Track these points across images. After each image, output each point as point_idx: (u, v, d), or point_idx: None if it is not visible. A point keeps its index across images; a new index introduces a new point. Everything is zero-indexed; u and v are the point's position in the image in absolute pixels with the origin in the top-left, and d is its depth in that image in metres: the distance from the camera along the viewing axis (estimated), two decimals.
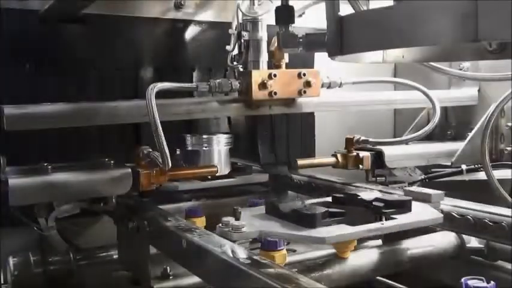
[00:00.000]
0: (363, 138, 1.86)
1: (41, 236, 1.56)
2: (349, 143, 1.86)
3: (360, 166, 1.83)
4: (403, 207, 1.33)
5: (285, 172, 2.08)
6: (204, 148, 1.99)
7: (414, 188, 1.49)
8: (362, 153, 1.84)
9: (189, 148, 2.00)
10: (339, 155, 1.84)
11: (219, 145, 2.01)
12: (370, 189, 1.66)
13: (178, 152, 2.01)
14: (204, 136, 2.00)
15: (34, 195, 1.41)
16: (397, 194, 1.49)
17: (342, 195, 1.43)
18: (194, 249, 1.20)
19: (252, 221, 1.26)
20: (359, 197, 1.39)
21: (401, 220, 1.28)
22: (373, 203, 1.34)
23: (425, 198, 1.42)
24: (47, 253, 1.60)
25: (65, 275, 1.60)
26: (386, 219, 1.28)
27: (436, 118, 1.85)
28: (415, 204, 1.36)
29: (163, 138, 1.44)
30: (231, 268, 1.06)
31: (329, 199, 1.45)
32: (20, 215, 1.47)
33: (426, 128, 1.83)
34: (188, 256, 1.24)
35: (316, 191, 1.97)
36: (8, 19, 1.73)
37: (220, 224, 1.22)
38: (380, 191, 1.57)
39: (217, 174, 1.90)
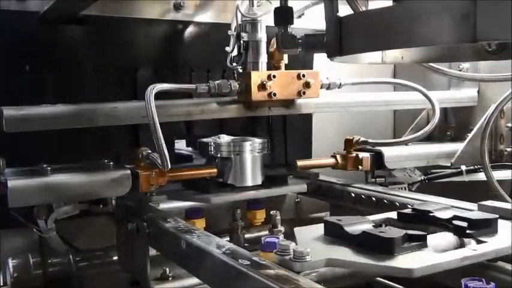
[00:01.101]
0: (362, 139, 1.86)
1: (40, 238, 1.56)
2: (349, 144, 1.86)
3: (360, 167, 1.83)
4: (489, 226, 1.15)
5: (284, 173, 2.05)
6: (236, 155, 1.75)
7: (489, 203, 1.31)
8: (361, 154, 1.83)
9: (218, 155, 1.76)
10: (338, 156, 1.84)
11: (254, 151, 1.77)
12: (441, 204, 1.36)
13: (193, 155, 1.91)
14: (236, 141, 1.79)
15: (33, 197, 1.40)
16: (475, 211, 1.28)
17: (410, 212, 1.24)
18: (193, 250, 1.20)
19: (313, 245, 1.10)
20: (432, 214, 1.21)
21: (495, 244, 1.09)
22: (453, 221, 1.16)
23: (505, 214, 1.25)
24: (47, 255, 1.60)
25: (64, 276, 1.60)
26: (472, 242, 1.11)
27: (436, 119, 1.85)
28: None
29: (162, 139, 1.44)
30: (231, 269, 1.06)
31: (393, 215, 1.27)
32: (19, 216, 1.47)
33: (426, 129, 1.83)
34: (187, 257, 1.24)
35: (317, 192, 1.97)
36: (7, 20, 1.73)
37: (276, 250, 1.06)
38: (453, 206, 1.34)
39: (250, 184, 1.78)
